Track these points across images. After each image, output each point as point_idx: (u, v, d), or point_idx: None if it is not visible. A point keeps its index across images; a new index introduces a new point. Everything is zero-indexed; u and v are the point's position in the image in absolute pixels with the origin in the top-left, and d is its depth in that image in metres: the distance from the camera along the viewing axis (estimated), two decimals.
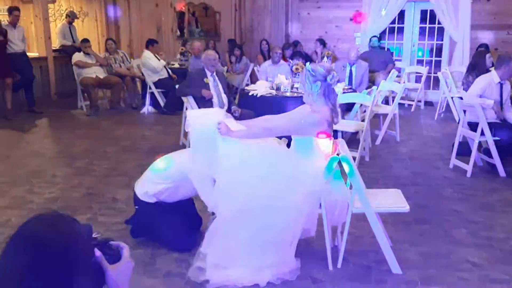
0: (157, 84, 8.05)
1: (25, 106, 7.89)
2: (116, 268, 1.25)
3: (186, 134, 5.79)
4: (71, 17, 9.46)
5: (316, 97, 2.92)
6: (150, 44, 8.23)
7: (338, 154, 2.89)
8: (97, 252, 1.21)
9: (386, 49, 9.42)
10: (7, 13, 7.64)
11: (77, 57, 8.09)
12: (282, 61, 7.28)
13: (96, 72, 8.09)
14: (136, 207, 3.32)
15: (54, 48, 9.12)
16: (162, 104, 8.10)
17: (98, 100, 8.15)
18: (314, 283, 2.83)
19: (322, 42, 9.26)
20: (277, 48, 7.41)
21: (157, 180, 3.18)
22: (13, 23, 7.48)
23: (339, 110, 3.00)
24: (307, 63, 3.03)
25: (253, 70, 8.80)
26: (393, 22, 9.43)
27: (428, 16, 9.38)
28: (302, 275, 2.85)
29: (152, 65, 7.99)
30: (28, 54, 8.12)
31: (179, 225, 3.18)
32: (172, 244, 3.17)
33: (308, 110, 2.94)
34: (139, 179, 3.36)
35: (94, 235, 1.25)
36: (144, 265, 3.01)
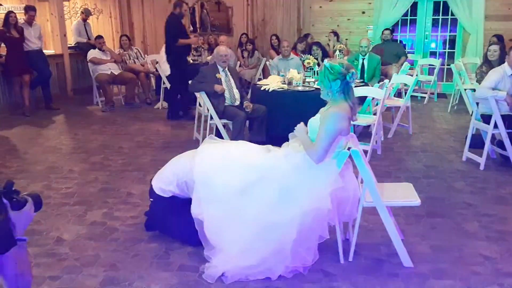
0: None
1: (42, 103, 8.06)
2: (16, 213, 1.55)
3: (199, 129, 5.89)
4: (86, 14, 9.58)
5: (336, 95, 2.93)
6: None
7: (349, 149, 2.91)
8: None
9: (398, 42, 9.35)
10: (23, 12, 7.77)
11: (92, 53, 8.22)
12: (292, 55, 7.26)
13: (111, 69, 8.23)
14: (151, 199, 3.39)
15: (69, 45, 9.26)
16: None
17: (113, 96, 8.26)
18: (326, 276, 2.86)
19: (336, 35, 9.23)
20: (284, 42, 7.37)
21: (172, 178, 3.24)
22: (29, 22, 7.62)
23: (357, 107, 3.00)
24: (325, 60, 3.02)
25: (265, 64, 8.82)
26: (405, 14, 9.35)
27: (441, 8, 9.28)
28: (314, 269, 2.88)
29: None
30: (45, 51, 8.24)
31: (193, 219, 3.23)
32: (186, 238, 3.20)
33: (330, 111, 2.93)
34: (158, 172, 3.42)
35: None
36: (158, 258, 3.06)
